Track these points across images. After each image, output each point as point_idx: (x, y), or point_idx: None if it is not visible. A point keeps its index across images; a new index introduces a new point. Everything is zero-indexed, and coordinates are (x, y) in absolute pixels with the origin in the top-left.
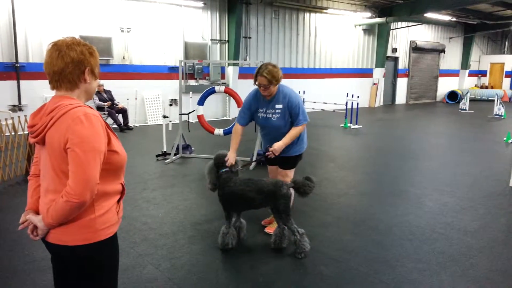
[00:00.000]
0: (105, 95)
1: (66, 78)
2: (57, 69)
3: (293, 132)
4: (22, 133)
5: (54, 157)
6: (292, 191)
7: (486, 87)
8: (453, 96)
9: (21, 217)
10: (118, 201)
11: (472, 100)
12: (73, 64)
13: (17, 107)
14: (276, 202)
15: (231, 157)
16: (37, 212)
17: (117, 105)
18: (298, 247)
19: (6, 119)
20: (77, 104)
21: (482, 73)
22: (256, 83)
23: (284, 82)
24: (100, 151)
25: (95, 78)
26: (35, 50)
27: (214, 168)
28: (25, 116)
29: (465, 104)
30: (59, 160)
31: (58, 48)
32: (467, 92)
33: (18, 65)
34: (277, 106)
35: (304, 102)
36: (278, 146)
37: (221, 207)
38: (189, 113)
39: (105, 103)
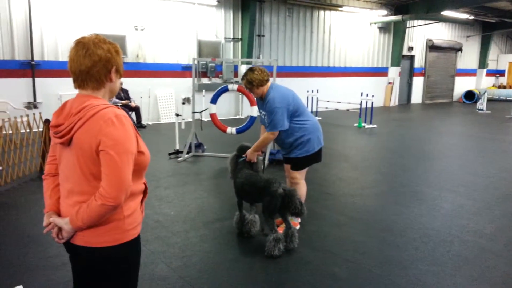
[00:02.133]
0: (122, 94)
1: (93, 77)
2: (84, 68)
3: (260, 139)
4: (37, 130)
5: (83, 158)
6: (304, 189)
7: (504, 87)
8: (470, 96)
9: (43, 219)
10: (142, 200)
11: (489, 100)
12: (100, 63)
13: (32, 105)
14: (263, 198)
15: (249, 155)
16: (58, 214)
17: (131, 103)
18: (267, 246)
19: (21, 116)
20: (106, 105)
21: (500, 73)
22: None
23: (298, 81)
24: (133, 152)
25: (119, 77)
26: (50, 48)
27: (235, 158)
28: (40, 113)
29: (482, 104)
30: (88, 162)
31: (85, 46)
32: (485, 92)
33: (33, 62)
34: (265, 107)
35: (317, 101)
36: (248, 152)
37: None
38: (202, 111)
39: (120, 102)
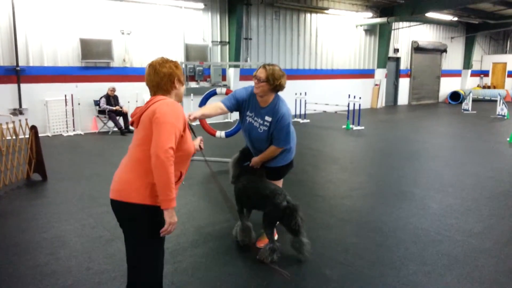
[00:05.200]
0: (112, 101)
1: (162, 88)
2: (155, 83)
3: (270, 151)
4: (23, 137)
5: (143, 130)
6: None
7: (489, 87)
8: (456, 97)
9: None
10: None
11: (474, 101)
12: (165, 77)
13: (17, 111)
14: (266, 207)
15: (254, 162)
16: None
17: (121, 108)
18: (261, 253)
19: (7, 123)
20: (168, 99)
21: (485, 73)
22: (255, 74)
23: (286, 83)
24: (174, 125)
25: (182, 84)
26: (35, 54)
27: (238, 162)
28: (26, 119)
29: (467, 105)
30: (145, 132)
31: (154, 67)
32: (470, 93)
33: (18, 68)
34: (266, 118)
35: (305, 104)
36: (254, 161)
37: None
38: None
39: (114, 108)
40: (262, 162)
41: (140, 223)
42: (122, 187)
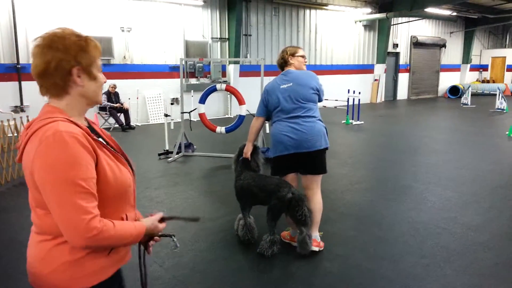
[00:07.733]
0: (113, 97)
1: (50, 82)
2: (38, 72)
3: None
4: None
5: (28, 183)
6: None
7: (488, 81)
8: (455, 91)
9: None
10: None
11: (473, 95)
12: (54, 62)
13: (19, 108)
14: (270, 201)
15: (245, 148)
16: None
17: (122, 105)
18: (262, 245)
19: (8, 120)
20: (53, 119)
21: (484, 67)
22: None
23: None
24: (75, 181)
25: (92, 77)
26: None
27: (237, 157)
28: (27, 117)
29: (466, 99)
30: (32, 188)
31: (40, 44)
32: (469, 87)
33: (19, 66)
34: None
35: None
36: (245, 149)
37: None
38: (191, 111)
39: (115, 104)
40: (250, 145)
41: None
42: (33, 270)
